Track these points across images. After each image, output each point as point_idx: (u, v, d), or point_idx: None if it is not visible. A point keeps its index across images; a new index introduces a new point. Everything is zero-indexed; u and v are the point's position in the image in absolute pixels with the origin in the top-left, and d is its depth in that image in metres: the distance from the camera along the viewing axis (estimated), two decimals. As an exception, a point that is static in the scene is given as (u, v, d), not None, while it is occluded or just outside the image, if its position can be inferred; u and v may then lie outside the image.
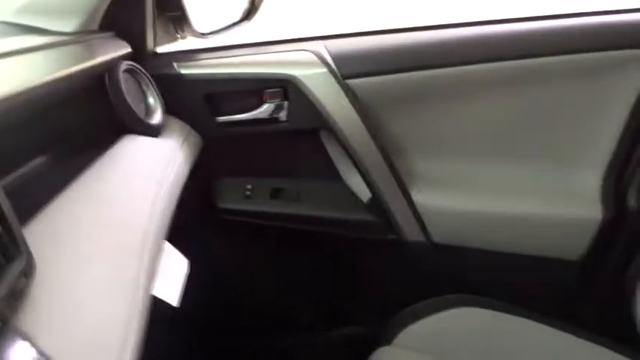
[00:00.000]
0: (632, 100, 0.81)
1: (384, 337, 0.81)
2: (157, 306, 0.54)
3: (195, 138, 0.83)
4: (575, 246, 0.88)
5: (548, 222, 0.88)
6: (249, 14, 0.94)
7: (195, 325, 1.05)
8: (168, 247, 0.63)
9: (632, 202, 0.84)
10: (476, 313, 0.85)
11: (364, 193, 0.92)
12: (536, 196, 0.88)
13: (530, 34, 0.82)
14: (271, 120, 0.87)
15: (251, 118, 0.87)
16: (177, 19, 0.87)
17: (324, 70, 0.82)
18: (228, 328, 1.10)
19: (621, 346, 0.81)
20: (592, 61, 0.80)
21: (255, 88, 0.86)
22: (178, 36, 0.90)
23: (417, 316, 0.83)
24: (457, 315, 0.84)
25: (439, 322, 0.83)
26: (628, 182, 0.86)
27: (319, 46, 0.85)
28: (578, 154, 0.87)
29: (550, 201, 0.88)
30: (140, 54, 0.80)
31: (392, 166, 0.87)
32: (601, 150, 0.86)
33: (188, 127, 0.83)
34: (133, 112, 0.68)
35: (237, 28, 0.93)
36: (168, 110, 0.80)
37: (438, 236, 0.92)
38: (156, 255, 0.55)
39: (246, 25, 0.94)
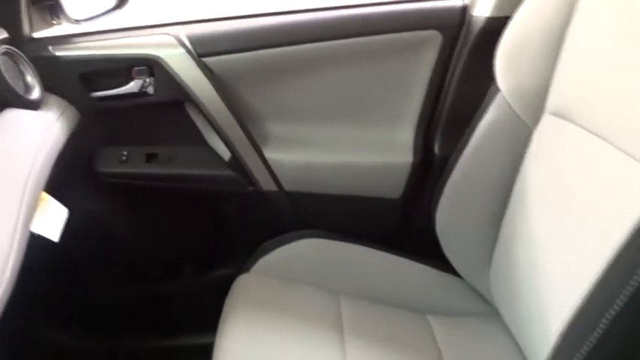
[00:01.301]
0: (428, 72, 1.02)
1: (244, 267, 0.98)
2: (38, 258, 0.67)
3: (72, 111, 0.93)
4: (395, 187, 1.09)
5: (373, 168, 1.08)
6: (120, 3, 1.04)
7: (78, 277, 1.15)
8: (46, 196, 0.76)
9: (435, 150, 1.07)
10: (320, 243, 1.03)
11: (225, 154, 1.07)
12: (363, 148, 1.08)
13: (352, 19, 1.00)
14: (140, 94, 1.00)
15: (122, 92, 0.99)
16: (52, 7, 0.97)
17: (182, 50, 0.96)
18: (111, 279, 1.21)
19: (430, 261, 1.04)
20: (398, 41, 0.99)
21: (124, 67, 0.98)
22: (54, 22, 1.00)
23: (271, 248, 1.00)
24: (304, 245, 1.02)
25: (289, 251, 1.01)
26: (432, 135, 1.08)
27: (178, 31, 0.99)
28: (394, 114, 1.07)
29: (374, 152, 1.07)
30: (17, 39, 0.90)
31: (246, 130, 1.02)
32: (411, 111, 1.06)
33: (65, 102, 0.93)
34: (12, 89, 0.78)
35: (109, 16, 1.03)
36: (47, 89, 0.89)
37: (288, 185, 1.08)
38: (34, 201, 0.68)
39: (117, 13, 1.05)
